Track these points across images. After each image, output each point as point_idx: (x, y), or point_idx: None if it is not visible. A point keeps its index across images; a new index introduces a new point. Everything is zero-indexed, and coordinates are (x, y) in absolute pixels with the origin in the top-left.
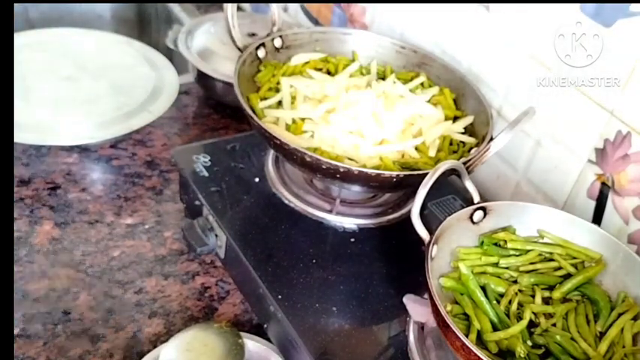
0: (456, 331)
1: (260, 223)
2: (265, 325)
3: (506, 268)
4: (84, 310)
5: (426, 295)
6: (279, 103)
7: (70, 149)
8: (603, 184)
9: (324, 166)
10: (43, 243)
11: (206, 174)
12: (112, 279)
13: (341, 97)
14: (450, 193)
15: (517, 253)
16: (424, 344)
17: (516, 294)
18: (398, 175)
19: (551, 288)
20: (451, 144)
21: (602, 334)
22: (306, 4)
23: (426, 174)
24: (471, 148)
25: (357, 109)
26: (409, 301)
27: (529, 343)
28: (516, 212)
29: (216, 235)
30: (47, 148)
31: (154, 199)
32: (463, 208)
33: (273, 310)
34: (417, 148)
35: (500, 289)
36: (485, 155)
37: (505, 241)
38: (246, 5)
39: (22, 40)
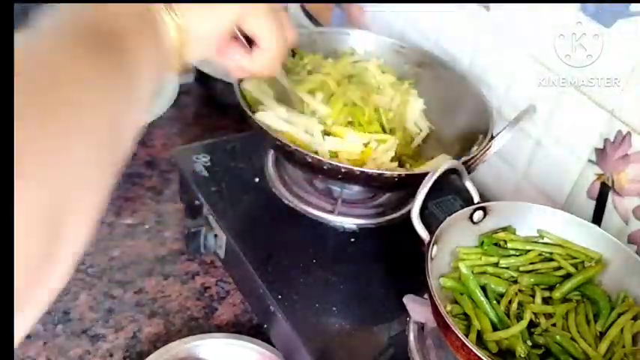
0: (456, 331)
1: (260, 223)
2: (265, 325)
3: (506, 268)
4: (84, 310)
5: (426, 295)
6: None
7: None
8: (603, 184)
9: (325, 167)
10: None
11: (206, 174)
12: (112, 279)
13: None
14: (450, 193)
15: (517, 253)
16: (424, 344)
17: (516, 294)
18: (399, 175)
19: (551, 288)
20: None
21: (602, 334)
22: (305, 5)
23: (426, 174)
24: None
25: None
26: (409, 301)
27: (529, 343)
28: (516, 212)
29: (216, 235)
30: None
31: (153, 199)
32: (463, 208)
33: (273, 310)
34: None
35: (500, 289)
36: (486, 154)
37: (505, 241)
38: None
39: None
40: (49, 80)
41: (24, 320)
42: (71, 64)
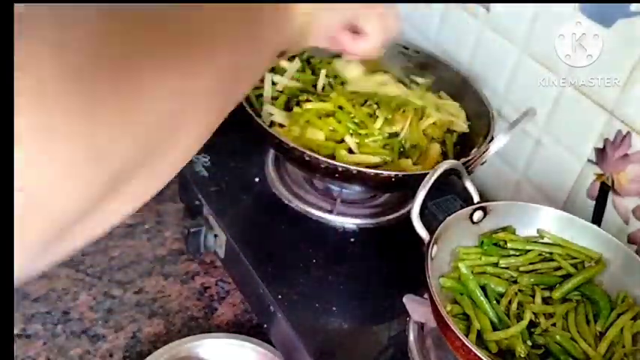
0: (456, 331)
1: (260, 223)
2: (265, 325)
3: (506, 268)
4: (84, 310)
5: (426, 295)
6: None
7: None
8: (603, 184)
9: (322, 165)
10: None
11: (206, 174)
12: (111, 279)
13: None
14: (450, 193)
15: (517, 253)
16: (424, 344)
17: (516, 294)
18: (397, 175)
19: (551, 288)
20: None
21: (602, 334)
22: None
23: (426, 174)
24: (472, 148)
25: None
26: (409, 301)
27: (529, 343)
28: (516, 212)
29: (216, 235)
30: None
31: (154, 199)
32: (463, 208)
33: (273, 310)
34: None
35: (500, 289)
36: (485, 155)
37: (505, 241)
38: None
39: None
40: None
41: None
42: None
